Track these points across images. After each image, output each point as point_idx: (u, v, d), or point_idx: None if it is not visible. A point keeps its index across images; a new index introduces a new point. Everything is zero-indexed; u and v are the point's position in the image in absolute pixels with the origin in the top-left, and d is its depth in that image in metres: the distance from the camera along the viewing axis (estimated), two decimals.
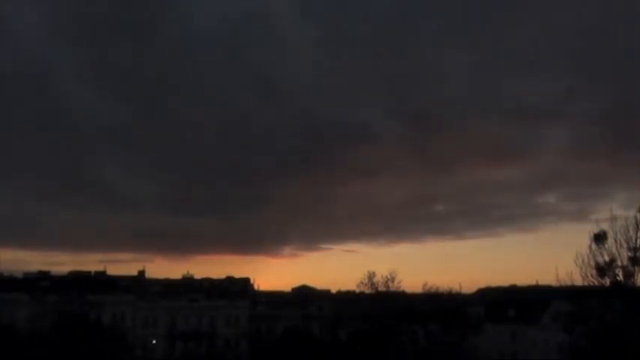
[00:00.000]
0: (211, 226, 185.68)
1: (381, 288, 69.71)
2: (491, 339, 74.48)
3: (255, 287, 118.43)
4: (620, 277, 34.22)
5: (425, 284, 75.55)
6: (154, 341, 78.35)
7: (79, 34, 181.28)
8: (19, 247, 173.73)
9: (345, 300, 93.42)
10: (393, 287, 69.37)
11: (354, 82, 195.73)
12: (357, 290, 78.08)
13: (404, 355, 66.09)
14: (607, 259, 34.23)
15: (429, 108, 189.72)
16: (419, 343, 68.56)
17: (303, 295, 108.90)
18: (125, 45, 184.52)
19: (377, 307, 69.41)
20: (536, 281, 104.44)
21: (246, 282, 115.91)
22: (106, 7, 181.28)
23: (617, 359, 33.44)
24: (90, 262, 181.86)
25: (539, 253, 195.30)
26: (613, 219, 34.71)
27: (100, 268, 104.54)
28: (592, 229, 35.14)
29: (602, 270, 34.25)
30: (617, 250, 33.94)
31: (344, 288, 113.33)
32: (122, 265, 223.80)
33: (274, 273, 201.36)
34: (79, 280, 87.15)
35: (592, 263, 34.47)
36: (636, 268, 33.73)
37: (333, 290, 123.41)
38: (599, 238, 34.58)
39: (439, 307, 69.20)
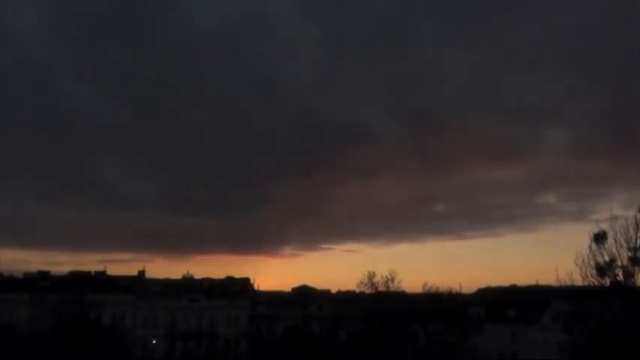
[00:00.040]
0: (211, 226, 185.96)
1: (381, 288, 69.76)
2: (491, 339, 74.50)
3: (255, 287, 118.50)
4: (620, 277, 34.20)
5: (425, 284, 75.77)
6: (154, 341, 78.36)
7: (79, 34, 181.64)
8: (19, 247, 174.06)
9: (345, 300, 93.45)
10: (393, 287, 69.45)
11: (354, 82, 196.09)
12: (357, 290, 78.22)
13: (404, 355, 66.13)
14: (607, 259, 34.21)
15: (429, 108, 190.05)
16: (419, 343, 68.66)
17: (303, 295, 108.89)
18: (125, 45, 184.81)
19: (377, 307, 69.43)
20: (536, 281, 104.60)
21: (246, 282, 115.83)
22: (106, 7, 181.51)
23: (617, 359, 33.44)
24: (90, 262, 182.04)
25: (539, 253, 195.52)
26: (613, 219, 34.72)
27: (100, 268, 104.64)
28: (592, 229, 35.13)
29: (602, 270, 34.23)
30: (617, 250, 33.93)
31: (344, 288, 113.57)
32: (122, 265, 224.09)
33: (274, 273, 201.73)
34: (79, 280, 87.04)
35: (592, 263, 34.45)
36: (636, 268, 33.71)
37: (333, 290, 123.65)
38: (599, 238, 34.56)
39: (439, 307, 69.31)
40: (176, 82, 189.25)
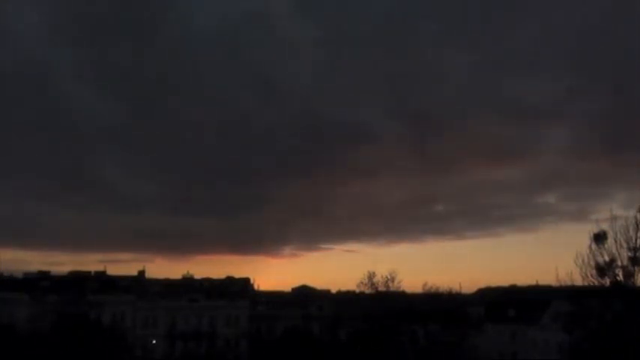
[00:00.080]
0: (211, 226, 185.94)
1: (381, 288, 69.61)
2: (491, 339, 74.51)
3: (255, 287, 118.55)
4: (620, 277, 34.22)
5: (425, 284, 75.52)
6: (154, 341, 78.35)
7: (79, 34, 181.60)
8: (19, 247, 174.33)
9: (345, 300, 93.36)
10: (393, 287, 69.27)
11: (354, 82, 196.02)
12: (357, 290, 78.03)
13: (404, 355, 66.07)
14: (607, 259, 34.24)
15: (429, 108, 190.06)
16: (419, 343, 68.53)
17: (303, 295, 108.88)
18: (125, 45, 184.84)
19: (377, 307, 69.33)
20: (536, 281, 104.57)
21: (246, 282, 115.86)
22: (106, 7, 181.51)
23: (617, 359, 33.44)
24: (90, 262, 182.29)
25: (539, 253, 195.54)
26: (613, 219, 34.78)
27: (100, 268, 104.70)
28: (592, 229, 35.20)
29: (602, 270, 34.25)
30: (617, 250, 33.98)
31: (344, 288, 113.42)
32: (122, 265, 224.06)
33: (274, 273, 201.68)
34: (79, 280, 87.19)
35: (592, 263, 34.49)
36: (636, 268, 33.72)
37: (333, 290, 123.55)
38: (599, 238, 34.58)
39: (439, 307, 69.16)
40: (176, 82, 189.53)
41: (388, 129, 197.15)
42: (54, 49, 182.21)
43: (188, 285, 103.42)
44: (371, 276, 69.51)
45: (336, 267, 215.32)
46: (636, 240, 33.51)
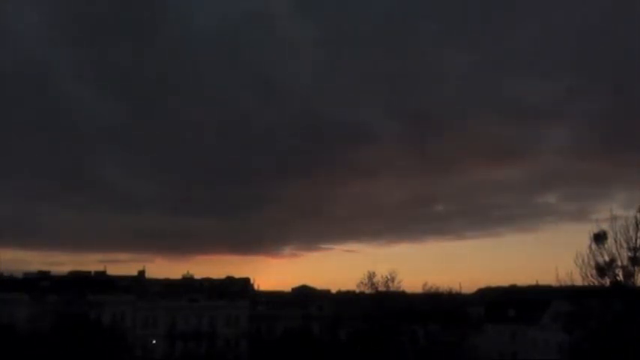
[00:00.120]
0: (211, 226, 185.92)
1: (381, 288, 69.59)
2: (491, 339, 74.50)
3: (255, 287, 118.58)
4: (620, 277, 34.23)
5: (425, 284, 75.45)
6: (154, 341, 78.36)
7: (79, 34, 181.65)
8: (19, 247, 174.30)
9: (345, 300, 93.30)
10: (393, 287, 69.24)
11: (354, 82, 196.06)
12: (357, 290, 77.97)
13: (404, 355, 66.07)
14: (607, 259, 34.25)
15: (429, 108, 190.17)
16: (419, 343, 68.52)
17: (303, 295, 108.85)
18: (125, 45, 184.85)
19: (377, 307, 69.32)
20: (536, 281, 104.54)
21: (246, 282, 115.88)
22: (106, 7, 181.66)
23: (617, 359, 33.44)
24: (90, 262, 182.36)
25: (539, 253, 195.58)
26: (613, 219, 34.79)
27: (100, 268, 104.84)
28: (592, 229, 35.20)
29: (602, 270, 34.25)
30: (617, 250, 33.99)
31: (344, 288, 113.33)
32: (122, 265, 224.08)
33: (274, 273, 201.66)
34: (79, 280, 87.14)
35: (592, 263, 34.50)
36: (636, 268, 33.73)
37: (333, 290, 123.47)
38: (599, 238, 34.59)
39: (439, 307, 69.12)
40: (176, 82, 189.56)
41: (388, 129, 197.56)
42: (54, 49, 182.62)
43: (188, 285, 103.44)
44: (371, 276, 69.57)
45: (336, 267, 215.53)
46: (636, 240, 33.52)
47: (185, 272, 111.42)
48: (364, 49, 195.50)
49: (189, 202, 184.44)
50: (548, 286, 67.16)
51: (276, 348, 67.98)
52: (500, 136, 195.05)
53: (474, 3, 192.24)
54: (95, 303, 72.87)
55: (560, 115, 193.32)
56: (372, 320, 68.86)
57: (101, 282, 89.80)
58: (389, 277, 68.68)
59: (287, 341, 69.01)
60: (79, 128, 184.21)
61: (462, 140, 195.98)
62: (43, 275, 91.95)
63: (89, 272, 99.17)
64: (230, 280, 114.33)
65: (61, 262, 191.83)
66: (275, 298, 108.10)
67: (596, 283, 34.57)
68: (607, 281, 34.40)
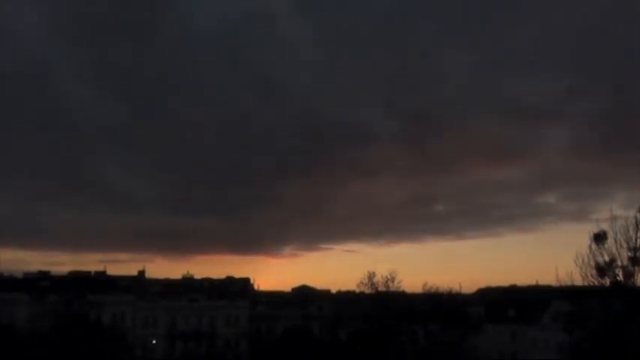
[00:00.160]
0: (211, 226, 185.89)
1: (381, 288, 69.59)
2: (491, 339, 74.50)
3: (255, 287, 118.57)
4: (620, 277, 34.23)
5: (425, 284, 75.38)
6: (154, 341, 78.38)
7: (79, 34, 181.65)
8: (19, 247, 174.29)
9: (345, 300, 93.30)
10: (393, 287, 69.23)
11: (354, 82, 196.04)
12: (357, 290, 77.95)
13: (404, 355, 66.07)
14: (607, 259, 34.25)
15: (429, 108, 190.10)
16: (419, 343, 68.52)
17: (303, 295, 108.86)
18: (125, 45, 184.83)
19: (377, 307, 69.33)
20: (536, 281, 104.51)
21: (246, 282, 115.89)
22: (106, 7, 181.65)
23: (617, 359, 33.44)
24: (90, 262, 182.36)
25: (539, 253, 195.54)
26: (613, 219, 34.79)
27: (100, 268, 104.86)
28: (592, 229, 35.21)
29: (602, 270, 34.26)
30: (617, 250, 33.99)
31: (344, 288, 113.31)
32: (122, 265, 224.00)
33: (274, 273, 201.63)
34: (79, 280, 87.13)
35: (592, 263, 34.51)
36: (636, 268, 33.73)
37: (333, 290, 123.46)
38: (599, 238, 34.60)
39: (439, 307, 69.08)
40: (176, 82, 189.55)
41: (388, 129, 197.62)
42: (54, 49, 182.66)
43: (188, 285, 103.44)
44: (371, 276, 69.56)
45: (336, 267, 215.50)
46: (636, 240, 33.53)
47: (185, 272, 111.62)
48: (364, 49, 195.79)
49: (189, 202, 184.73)
50: (548, 286, 67.14)
51: (276, 348, 67.98)
52: (500, 136, 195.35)
53: (473, 3, 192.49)
54: (95, 303, 72.87)
55: (560, 115, 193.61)
56: (372, 320, 68.86)
57: (101, 282, 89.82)
58: (389, 277, 68.76)
59: (287, 341, 69.01)
60: (79, 128, 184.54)
61: (462, 140, 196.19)
62: (43, 275, 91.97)
63: (89, 272, 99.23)
64: (230, 280, 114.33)
65: (61, 262, 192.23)
66: (275, 298, 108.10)
67: (596, 283, 34.58)
68: (607, 281, 34.41)
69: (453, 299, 76.12)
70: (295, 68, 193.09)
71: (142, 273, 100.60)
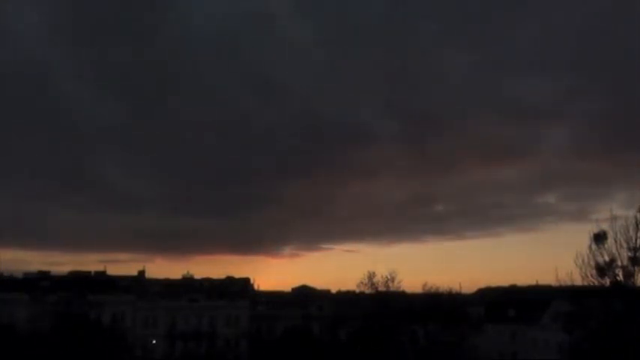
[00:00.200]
0: (211, 226, 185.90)
1: (381, 288, 69.60)
2: (491, 339, 74.50)
3: (255, 287, 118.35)
4: (620, 277, 34.27)
5: (425, 284, 75.36)
6: (154, 341, 78.39)
7: (79, 34, 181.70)
8: (19, 247, 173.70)
9: (345, 300, 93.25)
10: (393, 287, 69.25)
11: (354, 82, 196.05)
12: (357, 290, 77.94)
13: (404, 355, 66.08)
14: (607, 259, 34.30)
15: (429, 108, 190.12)
16: (419, 343, 68.53)
17: (303, 295, 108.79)
18: (125, 45, 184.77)
19: (377, 307, 69.34)
20: (536, 281, 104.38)
21: (246, 282, 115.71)
22: (106, 7, 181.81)
23: (617, 359, 33.45)
24: (90, 262, 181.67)
25: (539, 253, 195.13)
26: (613, 219, 34.85)
27: (100, 268, 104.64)
28: (592, 229, 35.29)
29: (602, 270, 34.28)
30: (617, 250, 34.06)
31: (344, 288, 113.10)
32: (122, 265, 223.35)
33: (274, 273, 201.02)
34: (79, 280, 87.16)
35: (592, 263, 34.56)
36: (636, 268, 33.76)
37: (333, 290, 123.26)
38: (599, 238, 34.63)
39: (439, 307, 69.07)
40: (176, 82, 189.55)
41: (388, 129, 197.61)
42: (54, 49, 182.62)
43: (188, 285, 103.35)
44: (371, 276, 69.57)
45: (336, 267, 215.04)
46: (636, 240, 33.56)
47: (185, 272, 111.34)
48: (364, 49, 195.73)
49: (189, 202, 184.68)
50: (548, 286, 67.06)
51: (276, 348, 67.98)
52: (500, 136, 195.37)
53: (473, 3, 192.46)
54: (95, 303, 72.93)
55: (560, 115, 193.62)
56: (372, 320, 68.85)
57: (101, 282, 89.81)
58: (389, 277, 68.78)
59: (287, 341, 69.01)
60: (79, 128, 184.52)
61: (462, 140, 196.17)
62: (43, 275, 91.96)
63: (89, 272, 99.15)
64: (230, 280, 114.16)
65: (61, 262, 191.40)
66: (275, 298, 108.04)
67: (596, 283, 34.62)
68: (607, 281, 34.44)
69: (453, 299, 76.11)
70: (295, 68, 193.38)
71: (142, 273, 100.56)
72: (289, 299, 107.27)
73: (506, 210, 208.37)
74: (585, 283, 35.23)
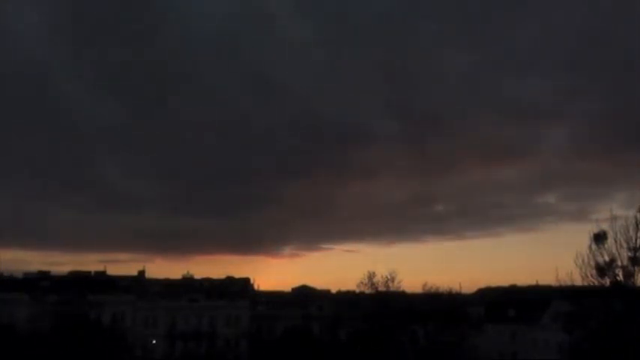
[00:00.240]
0: (211, 226, 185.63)
1: (381, 288, 69.65)
2: (491, 339, 74.50)
3: (255, 287, 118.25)
4: (620, 277, 34.28)
5: (425, 284, 75.37)
6: (154, 341, 78.40)
7: (79, 34, 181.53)
8: (19, 247, 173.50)
9: (345, 300, 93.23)
10: (393, 287, 69.31)
11: (354, 82, 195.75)
12: (357, 290, 78.01)
13: (404, 355, 66.10)
14: (607, 259, 34.32)
15: (428, 108, 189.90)
16: (419, 343, 68.56)
17: (303, 295, 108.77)
18: (125, 45, 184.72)
19: (377, 307, 69.37)
20: (536, 281, 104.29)
21: (246, 282, 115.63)
22: (106, 7, 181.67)
23: (617, 359, 33.45)
24: (90, 262, 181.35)
25: (539, 253, 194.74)
26: (613, 219, 34.87)
27: (100, 268, 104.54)
28: (592, 229, 35.32)
29: (602, 270, 34.30)
30: (617, 250, 34.08)
31: (344, 288, 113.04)
32: (122, 265, 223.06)
33: (274, 273, 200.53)
34: (79, 280, 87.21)
35: (592, 263, 34.58)
36: (636, 268, 33.78)
37: (333, 290, 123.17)
38: (599, 238, 34.65)
39: (439, 307, 69.11)
40: (176, 82, 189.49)
41: (388, 129, 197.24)
42: (54, 49, 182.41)
43: (188, 285, 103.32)
44: (371, 276, 69.63)
45: (336, 267, 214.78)
46: (636, 240, 33.58)
47: (185, 272, 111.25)
48: (364, 49, 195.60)
49: (189, 202, 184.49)
50: (548, 286, 67.02)
51: (277, 348, 67.99)
52: (500, 136, 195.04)
53: (473, 3, 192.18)
54: (95, 303, 72.97)
55: (560, 115, 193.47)
56: (372, 320, 68.89)
57: (101, 282, 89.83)
58: (389, 277, 68.85)
59: (287, 341, 69.03)
60: (79, 128, 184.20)
61: (462, 140, 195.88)
62: (43, 275, 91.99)
63: (89, 272, 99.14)
64: (230, 280, 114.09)
65: (61, 262, 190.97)
66: (275, 298, 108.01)
67: (596, 283, 34.63)
68: (607, 281, 34.46)
69: (453, 299, 76.13)
70: (295, 68, 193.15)
71: (142, 273, 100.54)
72: (289, 299, 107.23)
73: (506, 210, 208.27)
74: (585, 283, 35.25)
